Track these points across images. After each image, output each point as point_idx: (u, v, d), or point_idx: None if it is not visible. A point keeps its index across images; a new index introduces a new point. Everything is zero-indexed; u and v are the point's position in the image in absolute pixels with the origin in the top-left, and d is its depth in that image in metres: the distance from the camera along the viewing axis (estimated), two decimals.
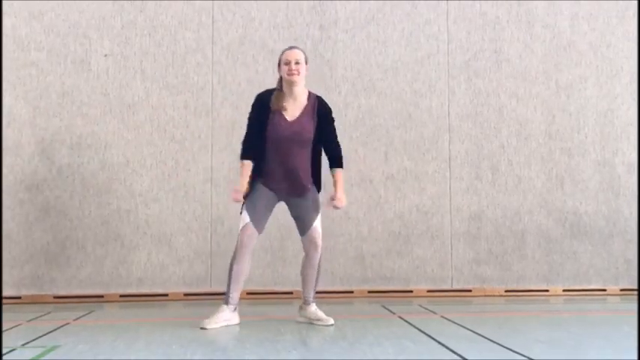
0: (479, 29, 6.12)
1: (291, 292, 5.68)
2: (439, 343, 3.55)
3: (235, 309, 4.27)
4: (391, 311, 4.87)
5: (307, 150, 4.24)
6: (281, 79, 4.27)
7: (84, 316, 4.76)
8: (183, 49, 5.89)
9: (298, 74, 4.20)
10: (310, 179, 4.27)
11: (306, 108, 4.25)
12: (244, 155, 4.25)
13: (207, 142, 5.83)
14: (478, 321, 4.38)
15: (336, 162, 4.32)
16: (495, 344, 3.51)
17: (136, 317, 4.80)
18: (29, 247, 5.63)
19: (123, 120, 5.80)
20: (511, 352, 3.28)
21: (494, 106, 6.08)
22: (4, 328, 4.07)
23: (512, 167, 6.05)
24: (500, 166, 6.04)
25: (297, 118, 4.22)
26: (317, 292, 4.40)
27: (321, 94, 4.44)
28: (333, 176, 4.31)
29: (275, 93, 4.26)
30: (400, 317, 4.54)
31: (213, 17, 5.94)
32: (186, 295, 5.72)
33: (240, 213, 4.26)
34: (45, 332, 3.97)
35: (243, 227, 4.20)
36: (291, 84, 4.22)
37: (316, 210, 4.29)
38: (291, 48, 4.31)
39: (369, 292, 5.84)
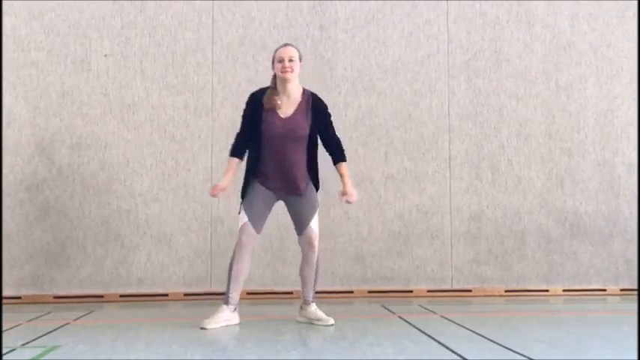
0: (479, 29, 6.12)
1: (291, 292, 5.68)
2: (439, 343, 3.55)
3: (235, 309, 4.27)
4: (391, 311, 4.87)
5: (302, 147, 4.23)
6: (275, 77, 4.28)
7: (84, 316, 4.76)
8: (183, 49, 5.89)
9: (292, 72, 4.21)
10: (307, 177, 4.27)
11: (300, 105, 4.25)
12: (232, 153, 4.29)
13: (207, 142, 5.83)
14: (478, 321, 4.38)
15: (338, 156, 4.31)
16: (495, 344, 3.51)
17: (136, 317, 4.80)
18: (29, 247, 5.63)
19: (123, 120, 5.80)
20: (511, 352, 3.28)
21: (494, 106, 6.08)
22: (4, 328, 4.07)
23: (512, 167, 6.05)
24: (500, 166, 6.04)
25: (291, 115, 4.22)
26: (317, 292, 4.41)
27: (321, 94, 4.44)
28: (338, 171, 4.31)
29: (268, 91, 4.26)
30: (400, 317, 4.54)
31: (213, 17, 5.94)
32: (186, 295, 5.72)
33: (239, 213, 4.27)
34: (45, 332, 3.97)
35: (242, 227, 4.21)
36: (285, 81, 4.22)
37: (313, 210, 4.28)
38: (285, 45, 4.32)
39: (369, 292, 5.84)
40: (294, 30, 5.99)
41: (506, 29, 6.14)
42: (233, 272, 4.22)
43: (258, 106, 4.24)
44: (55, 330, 4.08)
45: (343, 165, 4.31)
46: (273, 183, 4.24)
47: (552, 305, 5.52)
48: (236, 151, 4.29)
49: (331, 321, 4.19)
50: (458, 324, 4.21)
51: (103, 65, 5.82)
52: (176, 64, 5.88)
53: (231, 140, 4.34)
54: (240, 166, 4.31)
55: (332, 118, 4.36)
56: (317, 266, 4.34)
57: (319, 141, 4.33)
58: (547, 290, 5.97)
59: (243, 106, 4.33)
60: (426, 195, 5.96)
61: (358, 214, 5.89)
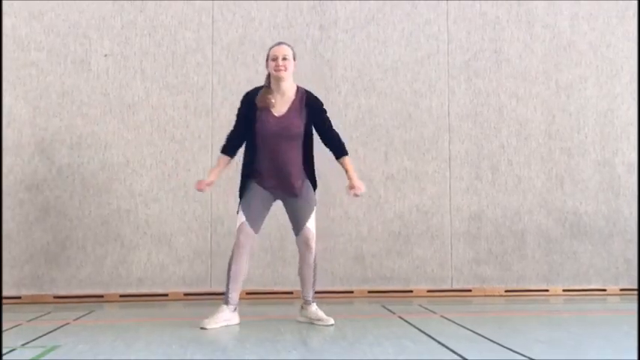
0: (479, 29, 6.12)
1: (291, 292, 5.68)
2: (439, 343, 3.55)
3: (235, 309, 4.27)
4: (391, 311, 4.87)
5: (297, 145, 4.23)
6: (269, 76, 4.28)
7: (84, 316, 4.76)
8: (183, 49, 5.89)
9: (285, 70, 4.21)
10: (303, 175, 4.26)
11: (293, 103, 4.25)
12: (222, 150, 4.35)
13: (207, 142, 5.83)
14: (478, 321, 4.38)
15: (339, 150, 4.31)
16: (495, 344, 3.51)
17: (136, 317, 4.80)
18: (29, 247, 5.63)
19: (123, 120, 5.80)
20: (511, 352, 3.28)
21: (494, 106, 6.08)
22: (4, 328, 4.07)
23: (512, 167, 6.05)
24: (500, 166, 6.04)
25: (285, 113, 4.22)
26: (317, 292, 4.40)
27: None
28: (342, 166, 4.30)
29: (262, 90, 4.27)
30: (400, 317, 4.54)
31: (213, 17, 5.94)
32: (186, 295, 5.72)
33: (237, 213, 4.27)
34: (45, 332, 3.97)
35: (240, 227, 4.22)
36: (279, 80, 4.23)
37: (310, 209, 4.27)
38: (279, 44, 4.32)
39: (369, 292, 5.84)
40: (294, 30, 5.98)
41: (506, 29, 6.14)
42: (232, 272, 4.22)
43: (252, 105, 4.25)
44: (55, 330, 4.08)
45: (346, 159, 4.30)
46: (268, 182, 4.24)
47: (552, 305, 5.52)
48: (226, 149, 4.34)
49: (331, 321, 4.19)
50: (458, 324, 4.21)
51: (103, 65, 5.82)
52: (176, 64, 5.88)
53: None
54: (228, 164, 4.38)
55: (329, 116, 4.35)
56: (315, 266, 4.34)
57: (317, 139, 4.34)
58: (547, 290, 5.97)
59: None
60: (426, 195, 5.96)
61: (358, 214, 5.89)
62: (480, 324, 4.20)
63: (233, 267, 4.22)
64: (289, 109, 4.23)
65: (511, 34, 6.14)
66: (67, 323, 4.37)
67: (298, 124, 4.21)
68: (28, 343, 3.64)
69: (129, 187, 5.76)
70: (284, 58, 4.21)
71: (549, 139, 6.09)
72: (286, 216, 4.38)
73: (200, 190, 4.33)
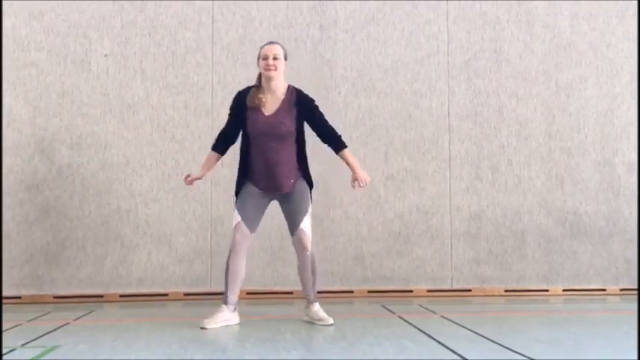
0: (479, 29, 6.12)
1: (291, 292, 5.68)
2: (439, 343, 3.55)
3: (235, 309, 4.27)
4: (391, 311, 4.87)
5: (288, 144, 4.24)
6: (260, 75, 4.29)
7: (84, 316, 4.76)
8: (183, 49, 5.89)
9: (275, 69, 4.21)
10: (296, 174, 4.27)
11: (283, 102, 4.25)
12: (212, 147, 4.42)
13: (207, 142, 5.77)
14: (478, 321, 4.38)
15: (337, 144, 4.31)
16: (495, 344, 3.51)
17: (136, 317, 4.80)
18: (29, 247, 5.63)
19: (123, 120, 5.80)
20: (511, 352, 3.28)
21: (494, 106, 6.08)
22: (4, 328, 4.07)
23: (512, 167, 6.05)
24: (500, 166, 6.04)
25: (274, 112, 4.22)
26: (317, 292, 4.40)
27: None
28: (343, 159, 4.30)
29: (252, 90, 4.27)
30: (400, 317, 4.54)
31: (213, 17, 5.94)
32: (186, 295, 5.72)
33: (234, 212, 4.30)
34: (45, 332, 3.97)
35: (235, 226, 4.24)
36: (269, 79, 4.24)
37: (303, 209, 4.27)
38: (270, 43, 4.33)
39: (369, 292, 5.84)
40: (294, 30, 5.98)
41: (506, 29, 6.14)
42: (229, 272, 4.23)
43: (242, 105, 4.28)
44: (55, 330, 4.08)
45: (346, 152, 4.30)
46: (262, 182, 4.25)
47: (552, 305, 5.52)
48: (215, 147, 4.42)
49: (331, 321, 4.20)
50: (458, 324, 4.21)
51: (103, 65, 5.82)
52: (176, 64, 5.88)
53: None
54: (217, 161, 4.46)
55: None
56: (313, 266, 4.34)
57: (316, 139, 4.34)
58: (547, 290, 5.97)
59: None
60: (426, 195, 5.96)
61: (358, 214, 5.89)
62: (479, 324, 4.20)
63: (230, 267, 4.22)
64: (279, 108, 4.23)
65: (511, 34, 6.14)
66: (67, 323, 4.37)
67: (287, 123, 4.21)
68: (28, 343, 3.64)
69: (129, 187, 5.76)
70: (274, 58, 4.21)
71: (549, 139, 6.09)
72: None
73: (187, 183, 4.42)
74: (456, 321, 4.32)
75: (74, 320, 4.52)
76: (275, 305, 5.37)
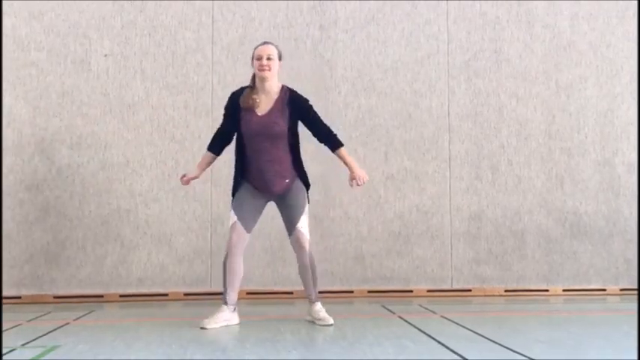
0: (479, 29, 6.12)
1: (291, 292, 5.68)
2: (439, 342, 3.55)
3: (235, 309, 4.27)
4: (391, 311, 4.87)
5: (282, 144, 4.23)
6: (254, 75, 4.29)
7: (84, 316, 4.76)
8: (183, 49, 5.89)
9: (269, 70, 4.21)
10: (291, 174, 4.26)
11: (276, 102, 4.25)
12: (208, 147, 4.45)
13: (207, 142, 5.81)
14: (478, 321, 4.38)
15: (333, 143, 4.30)
16: (495, 344, 3.51)
17: (136, 317, 4.80)
18: (29, 247, 5.63)
19: (123, 120, 5.80)
20: (511, 352, 3.28)
21: (494, 106, 6.08)
22: (4, 328, 4.07)
23: (512, 167, 6.05)
24: (500, 166, 6.04)
25: (267, 112, 4.22)
26: (318, 292, 4.41)
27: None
28: (340, 158, 4.30)
29: (246, 91, 4.28)
30: (400, 317, 4.54)
31: (213, 17, 5.94)
32: (186, 295, 5.72)
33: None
34: (45, 332, 3.97)
35: (232, 226, 4.24)
36: (263, 79, 4.24)
37: (300, 209, 4.27)
38: (264, 43, 4.33)
39: (369, 292, 5.84)
40: (294, 30, 5.98)
41: (506, 29, 6.14)
42: (227, 272, 4.23)
43: (236, 106, 4.28)
44: (55, 330, 4.08)
45: (342, 150, 4.30)
46: (257, 182, 4.25)
47: (552, 305, 5.52)
48: (211, 147, 4.44)
49: (331, 321, 4.20)
50: (458, 324, 4.21)
51: (103, 65, 5.82)
52: (176, 64, 5.88)
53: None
54: (213, 161, 4.49)
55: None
56: (313, 266, 4.34)
57: (314, 139, 4.34)
58: (547, 290, 5.97)
59: None
60: (426, 195, 5.96)
61: (358, 214, 5.89)
62: (479, 324, 4.20)
63: (228, 267, 4.22)
64: (272, 108, 4.23)
65: (511, 34, 6.14)
66: (67, 323, 4.37)
67: (280, 123, 4.20)
68: (28, 343, 3.64)
69: (129, 187, 5.76)
70: (268, 58, 4.21)
71: (549, 139, 6.09)
72: None
73: (183, 183, 4.44)
74: (456, 321, 4.32)
75: (74, 320, 4.52)
76: (275, 305, 5.37)
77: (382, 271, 5.87)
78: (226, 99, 4.67)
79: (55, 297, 5.61)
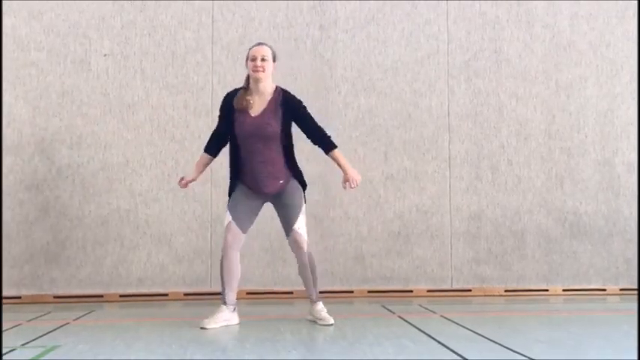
0: (479, 29, 6.12)
1: (291, 292, 5.68)
2: (439, 342, 3.55)
3: (235, 309, 4.27)
4: (391, 311, 4.87)
5: (275, 145, 4.22)
6: (248, 76, 4.29)
7: (84, 316, 4.77)
8: (183, 49, 5.89)
9: (263, 71, 4.21)
10: (285, 174, 4.25)
11: (269, 103, 4.25)
12: (205, 149, 4.47)
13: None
14: (478, 321, 4.38)
15: (326, 145, 4.30)
16: (495, 344, 3.51)
17: (136, 317, 4.80)
18: (29, 247, 5.63)
19: (123, 120, 5.80)
20: (511, 352, 3.28)
21: (494, 106, 6.08)
22: (4, 328, 4.07)
23: (512, 167, 6.05)
24: (500, 165, 6.04)
25: (260, 113, 4.22)
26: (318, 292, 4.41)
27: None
28: (333, 159, 4.30)
29: (240, 92, 4.28)
30: (400, 317, 4.54)
31: (213, 17, 5.94)
32: (186, 295, 5.72)
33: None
34: (45, 332, 3.97)
35: (227, 226, 4.25)
36: (257, 80, 4.24)
37: (296, 210, 4.27)
38: (259, 44, 4.33)
39: (369, 291, 5.84)
40: (294, 30, 5.98)
41: (506, 29, 6.14)
42: (224, 272, 4.23)
43: (230, 107, 4.28)
44: (55, 330, 4.08)
45: (335, 152, 4.29)
46: (251, 182, 4.25)
47: (552, 305, 5.52)
48: (207, 148, 4.46)
49: (331, 321, 4.20)
50: (458, 324, 4.21)
51: (103, 65, 5.82)
52: (176, 64, 5.88)
53: None
54: (209, 163, 4.50)
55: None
56: (312, 266, 4.34)
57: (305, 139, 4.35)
58: (547, 290, 5.97)
59: None
60: (425, 195, 5.96)
61: (358, 214, 5.89)
62: (479, 324, 4.20)
63: (225, 267, 4.22)
64: (265, 109, 4.23)
65: (511, 34, 6.14)
66: (67, 323, 4.37)
67: (273, 124, 4.20)
68: (28, 343, 3.64)
69: (129, 187, 5.76)
70: (262, 59, 4.22)
71: (549, 139, 6.09)
72: None
73: (181, 186, 4.46)
74: (455, 321, 4.33)
75: (74, 320, 4.52)
76: (275, 305, 5.37)
77: (382, 271, 5.88)
78: None
79: (55, 297, 5.61)
